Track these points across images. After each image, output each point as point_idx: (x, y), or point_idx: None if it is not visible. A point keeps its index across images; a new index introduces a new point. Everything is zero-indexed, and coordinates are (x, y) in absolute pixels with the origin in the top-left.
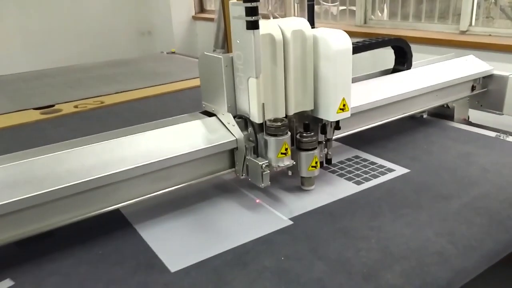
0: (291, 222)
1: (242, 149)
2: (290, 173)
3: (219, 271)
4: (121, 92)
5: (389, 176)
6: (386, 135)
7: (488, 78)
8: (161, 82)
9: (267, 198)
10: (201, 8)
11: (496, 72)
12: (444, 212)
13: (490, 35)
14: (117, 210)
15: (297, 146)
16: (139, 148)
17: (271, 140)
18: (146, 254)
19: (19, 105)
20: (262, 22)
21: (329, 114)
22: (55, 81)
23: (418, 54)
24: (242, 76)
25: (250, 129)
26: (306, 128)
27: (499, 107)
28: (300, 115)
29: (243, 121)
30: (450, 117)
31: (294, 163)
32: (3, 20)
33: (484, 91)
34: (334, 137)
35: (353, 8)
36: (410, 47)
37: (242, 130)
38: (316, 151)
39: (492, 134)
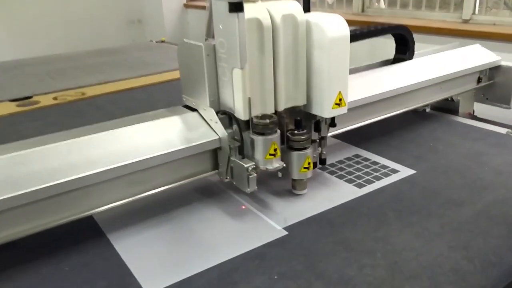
0: (285, 233)
1: (225, 149)
2: (280, 174)
3: None
4: (104, 83)
5: (393, 178)
6: (387, 131)
7: (495, 70)
8: (148, 72)
9: (257, 203)
10: None
11: (504, 63)
12: (456, 220)
13: (494, 24)
14: (90, 217)
15: (288, 145)
16: (110, 147)
17: (258, 140)
18: (120, 272)
19: None
20: (247, 5)
21: (323, 109)
22: (36, 70)
23: (419, 44)
24: (225, 66)
25: (235, 126)
26: (297, 125)
27: (506, 100)
28: (291, 111)
29: (227, 117)
30: (455, 111)
31: (284, 165)
32: None
33: (491, 83)
34: (330, 134)
35: None
36: (412, 35)
37: (226, 128)
38: (308, 151)
39: (503, 130)
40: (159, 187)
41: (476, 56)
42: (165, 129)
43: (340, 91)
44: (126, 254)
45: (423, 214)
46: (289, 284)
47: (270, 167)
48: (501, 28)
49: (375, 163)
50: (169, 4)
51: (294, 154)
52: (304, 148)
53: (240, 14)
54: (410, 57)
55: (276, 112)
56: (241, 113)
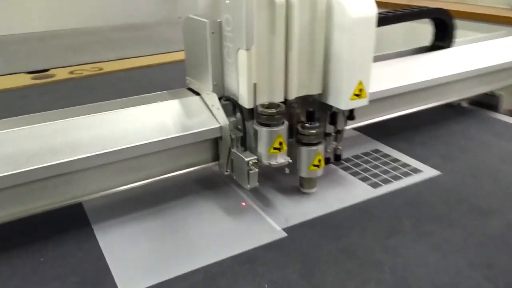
0: (284, 234)
1: (227, 139)
2: (287, 170)
3: None
4: (123, 59)
5: (414, 178)
6: (414, 125)
7: None
8: (170, 50)
9: (259, 200)
10: None
11: None
12: (481, 233)
13: None
14: (79, 205)
15: (297, 139)
16: (100, 131)
17: (262, 131)
18: (97, 267)
19: (13, 68)
20: None
21: (340, 100)
22: (59, 43)
23: (461, 31)
24: (230, 47)
25: (238, 115)
26: (309, 117)
27: None
28: (304, 100)
29: (231, 104)
30: (494, 107)
31: (291, 161)
32: None
33: None
34: (352, 126)
35: None
36: (452, 20)
37: (229, 116)
38: (320, 147)
39: None
40: (154, 177)
41: None
42: (161, 114)
43: (361, 81)
44: (107, 247)
45: (443, 222)
46: None
47: (274, 162)
48: None
49: (395, 160)
50: None
51: (303, 150)
52: (315, 144)
53: None
54: (449, 45)
55: (286, 101)
56: (245, 100)
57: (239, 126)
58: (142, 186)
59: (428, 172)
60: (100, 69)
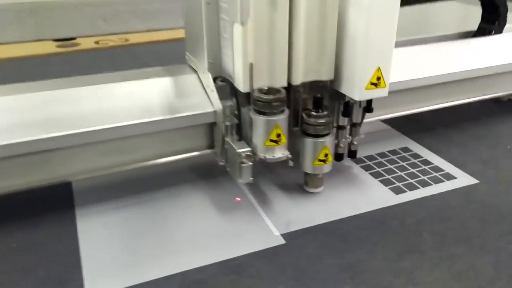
0: (282, 241)
1: (220, 126)
2: (291, 163)
3: None
4: (152, 30)
5: (446, 186)
6: (454, 121)
7: None
8: None
9: (258, 197)
10: None
11: None
12: None
13: None
14: (68, 185)
15: (302, 129)
16: (82, 107)
17: (258, 120)
18: (69, 260)
19: (42, 35)
20: None
21: (353, 89)
22: (93, 12)
23: None
24: (226, 19)
25: (235, 99)
26: (316, 104)
27: None
28: (313, 86)
29: (229, 86)
30: None
31: (290, 156)
32: None
33: None
34: (380, 117)
35: None
36: (504, 0)
37: (225, 99)
38: (327, 139)
39: None
40: (143, 161)
41: None
42: (152, 92)
43: (379, 67)
44: (85, 238)
45: (473, 244)
46: None
47: (269, 156)
48: None
49: (426, 162)
50: None
51: (308, 142)
52: (322, 135)
53: None
54: (500, 30)
55: (290, 86)
56: (240, 83)
57: (236, 112)
58: (132, 171)
59: (463, 179)
60: (127, 40)
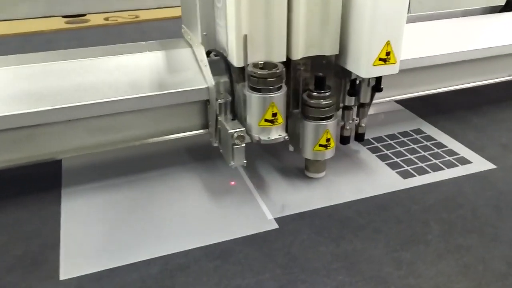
0: (275, 226)
1: (213, 104)
2: (291, 148)
3: None
4: (163, 8)
5: (459, 171)
6: (473, 104)
7: None
8: None
9: (254, 179)
10: None
11: None
12: None
13: None
14: (58, 163)
15: (302, 111)
16: (67, 82)
17: (252, 98)
18: (48, 240)
19: (51, 11)
20: None
21: (360, 65)
22: None
23: None
24: None
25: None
26: (318, 83)
27: None
28: (316, 62)
29: (223, 61)
30: None
31: (287, 137)
32: None
33: None
34: (392, 98)
35: None
36: None
37: (219, 75)
38: (330, 123)
39: None
40: (133, 140)
41: None
42: (142, 67)
43: (389, 41)
44: (67, 218)
45: (485, 235)
46: None
47: (264, 137)
48: None
49: (440, 145)
50: None
51: (308, 125)
52: (323, 118)
53: None
54: None
55: (289, 62)
56: (234, 56)
57: (231, 89)
58: (124, 151)
59: (479, 164)
60: (136, 16)
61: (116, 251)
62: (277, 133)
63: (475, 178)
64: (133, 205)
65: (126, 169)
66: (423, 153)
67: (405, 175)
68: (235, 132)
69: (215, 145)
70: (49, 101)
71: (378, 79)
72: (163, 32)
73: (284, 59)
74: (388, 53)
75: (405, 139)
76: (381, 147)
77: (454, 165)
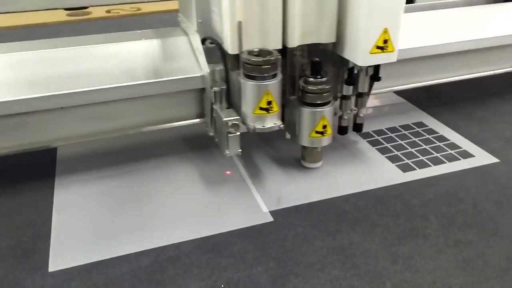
0: (270, 219)
1: (208, 92)
2: (288, 135)
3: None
4: (164, 0)
5: (461, 164)
6: (476, 96)
7: None
8: None
9: (251, 171)
10: None
11: None
12: None
13: None
14: (53, 151)
15: (298, 97)
16: (59, 70)
17: (247, 85)
18: (39, 230)
19: (53, 3)
20: None
21: (357, 53)
22: None
23: None
24: None
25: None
26: (314, 69)
27: None
28: (313, 49)
29: (218, 49)
30: None
31: (282, 126)
32: None
33: None
34: (393, 88)
35: None
36: None
37: (215, 63)
38: (326, 109)
39: None
40: (128, 129)
41: None
42: (137, 55)
43: (386, 28)
44: (60, 208)
45: (486, 230)
46: None
47: (259, 126)
48: None
49: (441, 138)
50: None
51: (304, 111)
52: (320, 104)
53: None
54: None
55: (285, 49)
56: (228, 44)
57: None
58: (119, 140)
59: (481, 158)
60: (138, 9)
61: (107, 243)
62: (272, 122)
63: (477, 172)
64: (126, 196)
65: (121, 159)
66: (424, 146)
67: (405, 168)
68: (229, 120)
69: (211, 134)
70: (42, 88)
71: (376, 68)
72: (165, 25)
73: (280, 47)
74: (385, 41)
75: (406, 132)
76: (381, 140)
77: (456, 159)
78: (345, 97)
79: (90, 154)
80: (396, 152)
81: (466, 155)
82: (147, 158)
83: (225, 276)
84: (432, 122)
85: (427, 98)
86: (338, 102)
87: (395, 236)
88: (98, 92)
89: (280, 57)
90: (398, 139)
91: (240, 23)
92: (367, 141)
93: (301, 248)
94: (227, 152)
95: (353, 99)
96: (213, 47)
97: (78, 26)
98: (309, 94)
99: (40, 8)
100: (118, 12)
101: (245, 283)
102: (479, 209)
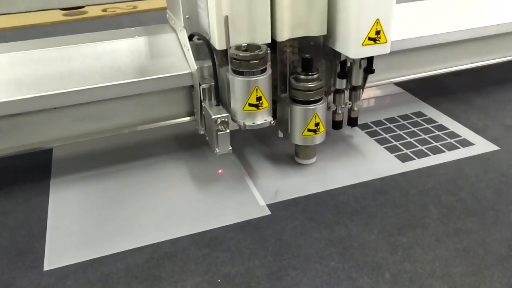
0: (267, 212)
1: (197, 89)
2: (280, 134)
3: (107, 285)
4: None
5: (461, 153)
6: (476, 85)
7: None
8: None
9: (246, 167)
10: None
11: None
12: None
13: None
14: (49, 152)
15: (289, 94)
16: (48, 70)
17: (235, 81)
18: (34, 230)
19: (49, 4)
20: None
21: (348, 45)
22: None
23: None
24: None
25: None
26: (305, 65)
27: None
28: (303, 43)
29: (206, 44)
30: None
31: (273, 122)
32: None
33: None
34: (392, 79)
35: None
36: None
37: (203, 59)
38: (318, 107)
39: None
40: (119, 128)
41: None
42: (126, 54)
43: (378, 19)
44: (55, 208)
45: (486, 218)
46: None
47: (249, 123)
48: None
49: (441, 128)
50: None
51: (296, 109)
52: (312, 102)
53: None
54: None
55: (275, 44)
56: (215, 39)
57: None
58: (114, 140)
59: (482, 146)
60: (135, 7)
61: (102, 241)
62: (262, 118)
63: (477, 160)
64: (121, 194)
65: (115, 158)
66: (423, 136)
67: (404, 158)
68: (218, 117)
69: (201, 132)
70: (33, 89)
71: (370, 60)
72: (161, 23)
73: (269, 41)
74: (378, 32)
75: (405, 122)
76: (380, 130)
77: (456, 148)
78: (338, 91)
79: (84, 154)
80: (395, 143)
81: (466, 143)
82: (141, 157)
83: (222, 271)
84: (431, 112)
85: (427, 88)
86: (331, 96)
87: (394, 226)
88: (88, 92)
89: (269, 51)
90: (396, 129)
91: (226, 17)
92: (365, 132)
93: (298, 240)
94: (218, 151)
95: (347, 93)
96: (201, 43)
97: (75, 26)
98: (300, 92)
99: (36, 9)
100: (114, 11)
101: (242, 277)
102: (479, 198)
